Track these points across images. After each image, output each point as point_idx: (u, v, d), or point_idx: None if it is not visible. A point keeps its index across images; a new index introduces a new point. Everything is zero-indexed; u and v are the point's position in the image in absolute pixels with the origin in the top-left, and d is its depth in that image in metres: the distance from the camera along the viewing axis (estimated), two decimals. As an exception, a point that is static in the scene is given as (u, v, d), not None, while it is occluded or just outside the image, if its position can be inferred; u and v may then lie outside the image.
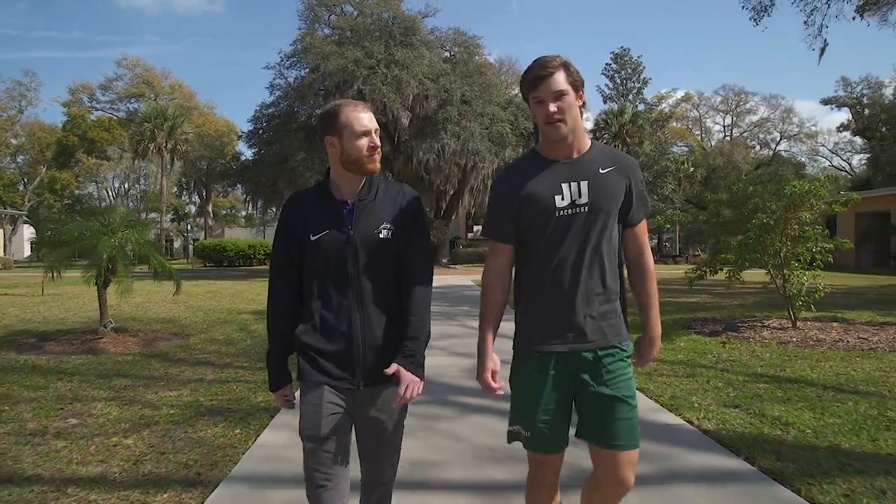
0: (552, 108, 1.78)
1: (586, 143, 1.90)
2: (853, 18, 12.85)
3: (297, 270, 1.92)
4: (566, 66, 1.80)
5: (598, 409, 1.84)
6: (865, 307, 10.53)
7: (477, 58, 26.89)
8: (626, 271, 2.01)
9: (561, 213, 1.83)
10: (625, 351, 1.90)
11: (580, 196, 1.83)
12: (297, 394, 1.95)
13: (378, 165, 1.90)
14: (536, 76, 1.79)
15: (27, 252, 46.28)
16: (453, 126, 22.50)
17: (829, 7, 12.81)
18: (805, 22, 13.27)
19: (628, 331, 1.94)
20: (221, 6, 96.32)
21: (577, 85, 1.82)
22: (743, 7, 13.77)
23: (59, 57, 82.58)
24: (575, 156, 1.87)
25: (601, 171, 1.86)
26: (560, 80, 1.78)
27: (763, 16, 13.26)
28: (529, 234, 1.89)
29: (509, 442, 1.97)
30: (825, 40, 13.32)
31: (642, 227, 1.99)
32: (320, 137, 1.90)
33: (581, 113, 1.87)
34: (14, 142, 45.57)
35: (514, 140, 24.42)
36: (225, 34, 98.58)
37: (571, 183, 1.83)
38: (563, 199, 1.83)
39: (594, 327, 1.85)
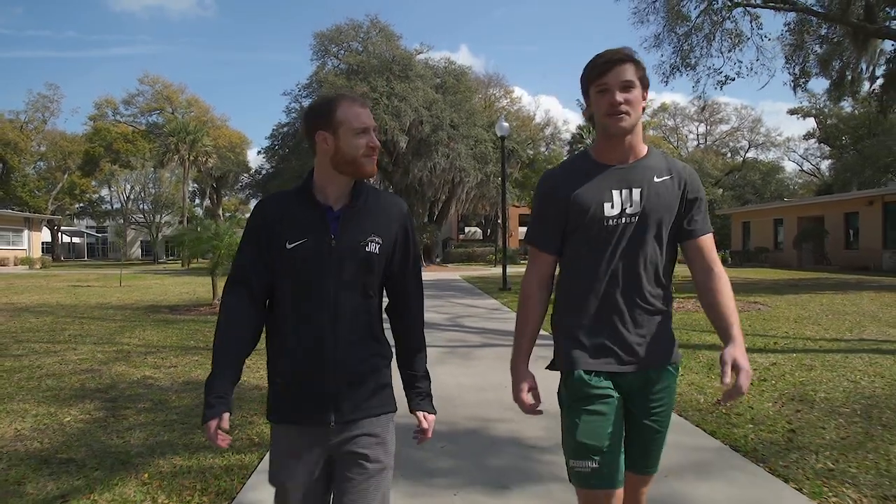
0: (619, 97, 1.61)
1: (643, 148, 1.73)
2: (714, 89, 17.80)
3: (262, 282, 1.65)
4: (635, 60, 1.66)
5: (633, 439, 1.74)
6: (736, 292, 14.66)
7: (466, 81, 31.18)
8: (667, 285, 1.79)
9: (609, 221, 1.67)
10: (674, 374, 1.76)
11: (630, 204, 1.67)
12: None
13: (375, 168, 1.69)
14: (606, 61, 1.64)
15: (38, 252, 49.92)
16: (443, 147, 26.86)
17: (708, 78, 17.69)
18: (693, 87, 18.14)
19: (678, 352, 1.79)
20: (214, 12, 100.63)
21: (645, 83, 1.68)
22: (655, 72, 18.45)
23: (53, 57, 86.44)
24: (631, 160, 1.71)
25: (656, 178, 1.70)
26: (630, 70, 1.63)
27: (670, 78, 17.92)
28: (575, 242, 1.73)
29: (575, 481, 1.69)
30: (705, 101, 19.51)
31: (709, 239, 1.77)
32: (310, 132, 1.66)
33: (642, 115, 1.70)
34: (33, 149, 49.36)
35: (495, 157, 28.60)
36: (220, 35, 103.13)
37: (623, 190, 1.68)
38: (612, 206, 1.67)
39: (644, 346, 1.69)
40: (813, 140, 53.53)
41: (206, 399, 1.58)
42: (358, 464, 1.62)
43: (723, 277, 1.73)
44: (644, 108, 1.70)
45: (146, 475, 3.20)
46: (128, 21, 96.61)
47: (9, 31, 79.31)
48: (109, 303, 13.18)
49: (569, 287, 1.76)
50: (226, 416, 1.57)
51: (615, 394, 1.68)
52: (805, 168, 58.28)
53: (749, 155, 57.16)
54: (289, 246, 1.61)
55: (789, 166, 58.37)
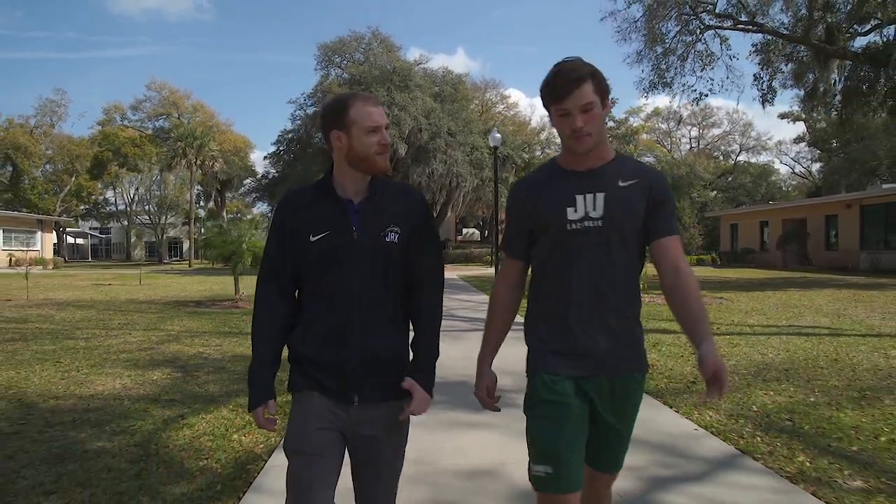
0: (579, 122, 1.63)
1: (610, 153, 1.76)
2: (693, 102, 20.22)
3: (292, 274, 1.77)
4: (594, 75, 1.65)
5: (597, 439, 1.77)
6: (708, 289, 16.05)
7: (464, 90, 32.76)
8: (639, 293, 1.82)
9: (572, 226, 1.70)
10: (640, 380, 1.79)
11: (594, 209, 1.69)
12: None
13: (388, 164, 1.77)
14: (563, 85, 1.63)
15: (51, 254, 51.25)
16: (441, 154, 28.46)
17: (682, 95, 19.74)
18: (670, 101, 19.58)
19: (646, 360, 1.81)
20: (212, 15, 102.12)
21: (605, 93, 1.68)
22: (636, 88, 20.05)
23: (53, 58, 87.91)
24: (596, 166, 1.73)
25: (621, 183, 1.72)
26: (588, 91, 1.63)
27: (650, 93, 19.50)
28: (541, 248, 1.78)
29: (532, 483, 1.74)
30: (681, 116, 21.00)
31: (674, 241, 1.75)
32: (325, 131, 1.75)
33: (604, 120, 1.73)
34: (42, 153, 50.79)
35: (490, 163, 30.07)
36: (219, 36, 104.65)
37: (587, 195, 1.70)
38: (575, 211, 1.70)
39: (610, 353, 1.71)
40: (803, 143, 55.00)
41: (250, 388, 1.75)
42: (376, 446, 1.73)
43: (689, 275, 1.71)
44: (608, 111, 1.74)
45: (231, 406, 4.60)
46: (126, 23, 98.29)
47: (9, 32, 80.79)
48: (138, 298, 14.55)
49: (536, 292, 1.82)
50: (271, 402, 1.75)
51: (578, 400, 1.71)
52: (797, 171, 59.72)
53: (740, 158, 58.58)
54: (312, 238, 1.70)
55: (783, 169, 59.80)
